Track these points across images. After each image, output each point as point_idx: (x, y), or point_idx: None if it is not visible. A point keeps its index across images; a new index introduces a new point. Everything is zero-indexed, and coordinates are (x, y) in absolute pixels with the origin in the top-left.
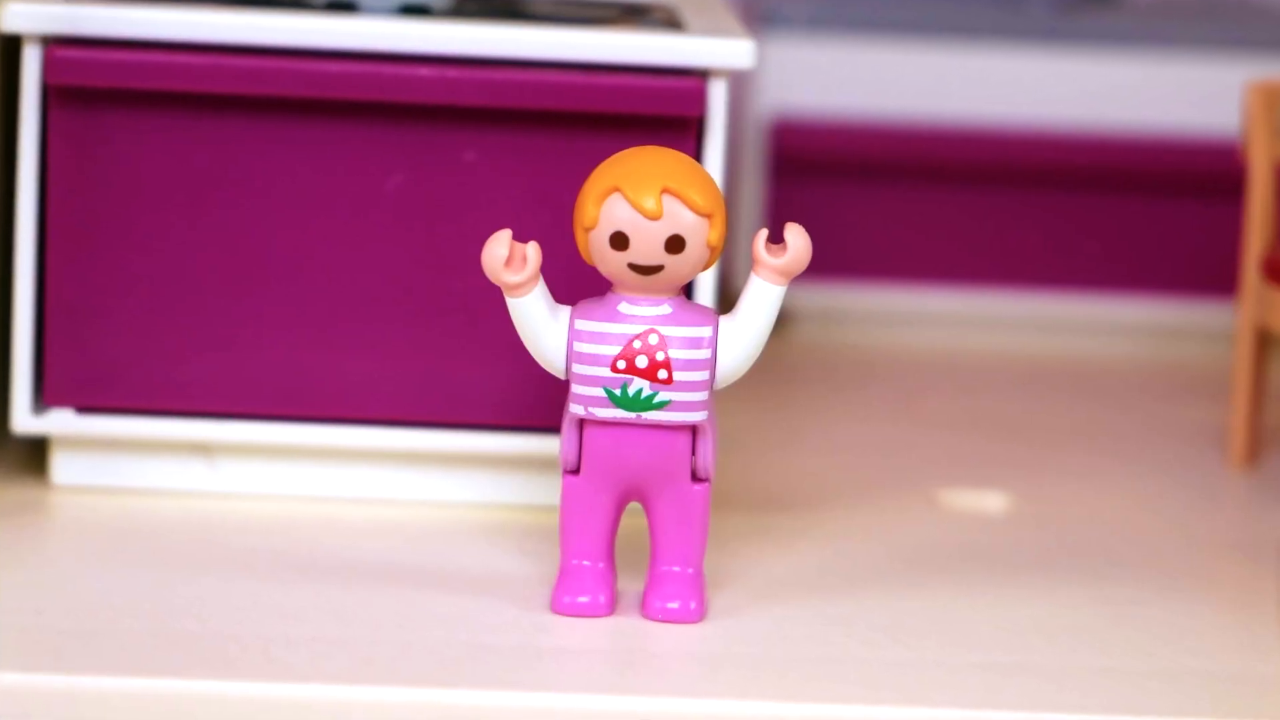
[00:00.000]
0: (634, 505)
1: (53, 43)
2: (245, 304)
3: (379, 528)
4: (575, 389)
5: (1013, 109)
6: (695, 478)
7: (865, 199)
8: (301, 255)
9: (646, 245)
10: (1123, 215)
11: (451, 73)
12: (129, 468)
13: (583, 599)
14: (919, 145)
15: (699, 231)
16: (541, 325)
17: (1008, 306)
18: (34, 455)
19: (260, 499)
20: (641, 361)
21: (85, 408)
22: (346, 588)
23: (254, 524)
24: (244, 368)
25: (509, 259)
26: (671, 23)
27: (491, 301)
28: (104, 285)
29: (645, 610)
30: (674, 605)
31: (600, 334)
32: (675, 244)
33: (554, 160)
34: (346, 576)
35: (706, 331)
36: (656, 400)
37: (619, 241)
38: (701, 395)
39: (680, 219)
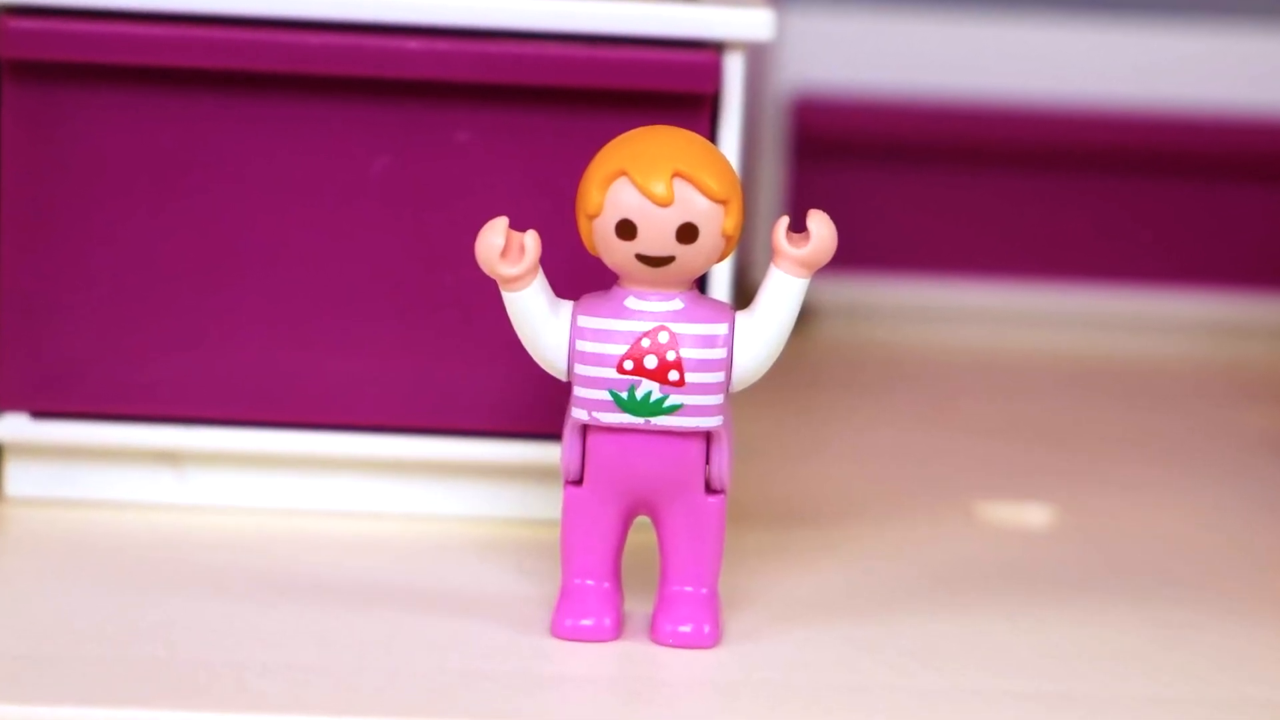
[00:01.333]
0: (642, 520)
1: (5, 12)
2: (217, 299)
3: (363, 544)
4: (578, 392)
5: (1058, 84)
6: (709, 489)
7: (895, 183)
8: (278, 246)
9: (656, 234)
10: (1179, 201)
11: (442, 45)
12: (89, 478)
13: (586, 622)
14: (954, 124)
15: (713, 219)
16: (541, 322)
17: (1051, 301)
18: None
19: (233, 512)
20: (650, 362)
21: (41, 412)
22: (327, 610)
23: (226, 540)
24: (215, 368)
25: (505, 249)
26: None
27: (486, 296)
28: (62, 278)
29: (654, 634)
30: (686, 629)
31: (605, 331)
32: (687, 233)
33: (555, 141)
34: (327, 597)
35: (722, 329)
36: (667, 404)
37: (626, 230)
38: (716, 399)
39: (693, 206)
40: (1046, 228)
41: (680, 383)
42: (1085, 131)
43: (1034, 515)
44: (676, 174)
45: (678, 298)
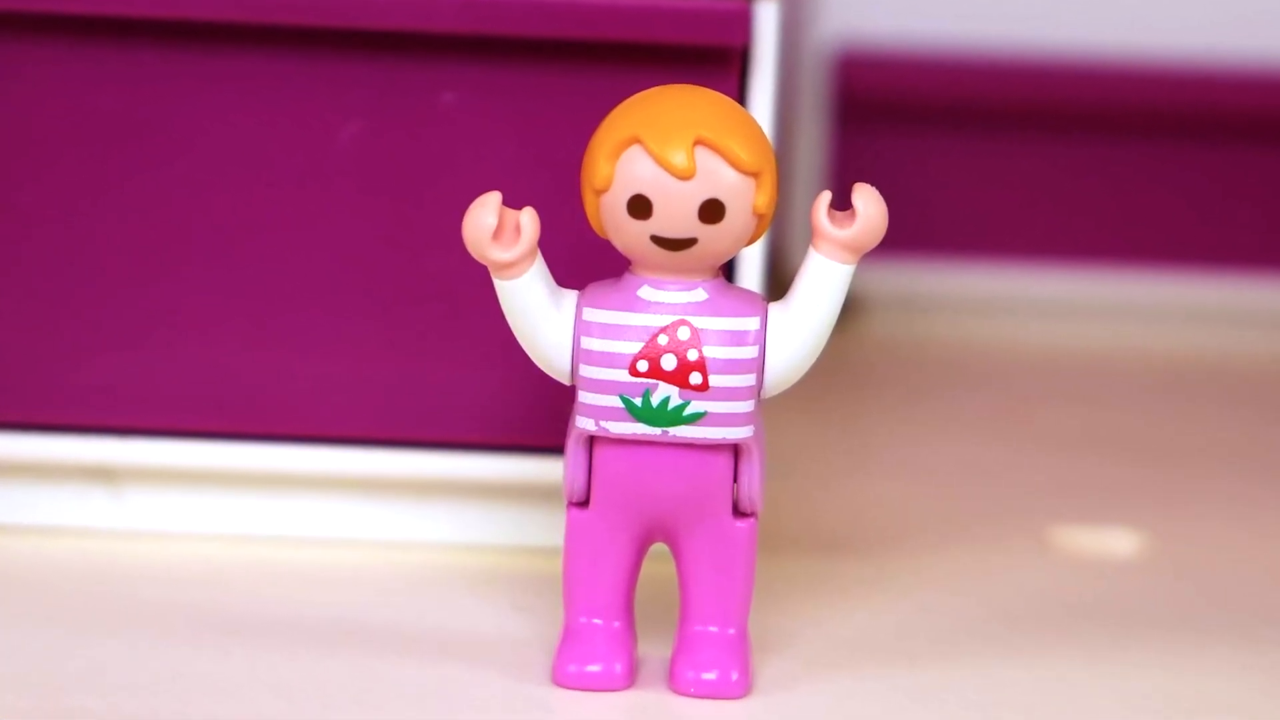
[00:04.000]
0: (659, 548)
1: None
2: (161, 290)
3: (332, 576)
4: (584, 398)
5: (1146, 37)
6: (737, 512)
7: (955, 153)
8: (234, 228)
9: (675, 212)
10: None
11: None
12: (9, 498)
13: (593, 668)
14: (1023, 83)
15: (742, 195)
16: (540, 316)
17: (1138, 291)
18: None
19: (178, 539)
20: (669, 362)
21: None
22: (289, 654)
23: (171, 571)
24: (159, 371)
25: (498, 230)
26: None
27: (476, 286)
28: None
29: (674, 682)
30: (710, 676)
31: (615, 327)
32: (712, 211)
33: (556, 104)
34: (289, 639)
35: (752, 324)
36: (688, 412)
37: (640, 208)
38: (746, 406)
39: (718, 179)
40: (1132, 204)
41: (703, 387)
42: (1177, 91)
43: (1119, 542)
44: (699, 142)
45: (700, 287)
